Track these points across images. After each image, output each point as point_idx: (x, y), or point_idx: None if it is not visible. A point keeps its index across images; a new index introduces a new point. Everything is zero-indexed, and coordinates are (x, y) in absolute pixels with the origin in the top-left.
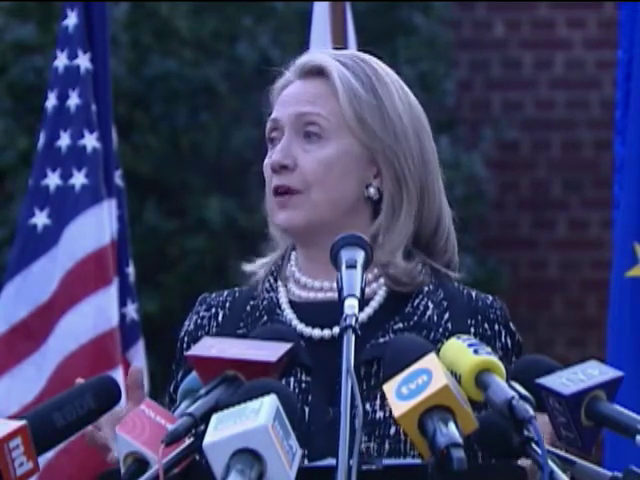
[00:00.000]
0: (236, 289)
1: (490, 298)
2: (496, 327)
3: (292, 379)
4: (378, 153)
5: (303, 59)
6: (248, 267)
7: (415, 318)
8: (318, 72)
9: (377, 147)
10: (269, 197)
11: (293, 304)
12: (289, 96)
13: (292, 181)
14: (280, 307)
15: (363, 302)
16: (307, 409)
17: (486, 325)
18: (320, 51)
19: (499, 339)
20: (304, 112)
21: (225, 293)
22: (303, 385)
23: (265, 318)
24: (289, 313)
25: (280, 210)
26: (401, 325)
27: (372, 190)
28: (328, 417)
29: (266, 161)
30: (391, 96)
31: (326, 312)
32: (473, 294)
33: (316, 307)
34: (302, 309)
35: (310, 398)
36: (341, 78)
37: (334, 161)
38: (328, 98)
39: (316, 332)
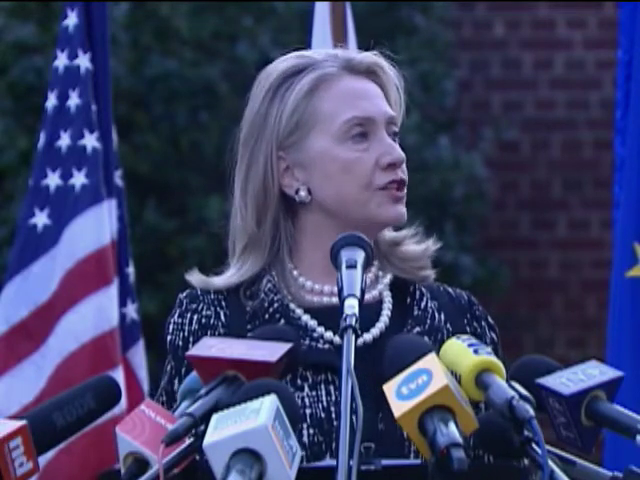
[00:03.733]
0: (220, 289)
1: (465, 294)
2: (483, 323)
3: (332, 387)
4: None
5: (358, 56)
6: (194, 277)
7: (428, 321)
8: (373, 72)
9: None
10: (363, 191)
11: (306, 309)
12: (366, 92)
13: (402, 175)
14: (293, 311)
15: (376, 306)
16: (354, 418)
17: (475, 323)
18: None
19: (487, 335)
20: (392, 115)
21: (212, 291)
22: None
23: (283, 321)
24: (307, 318)
25: (395, 204)
26: (418, 329)
27: None
28: (378, 425)
29: (354, 155)
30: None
31: None
32: (450, 291)
33: (334, 313)
34: (319, 315)
35: (354, 406)
36: (397, 80)
37: None
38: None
39: None
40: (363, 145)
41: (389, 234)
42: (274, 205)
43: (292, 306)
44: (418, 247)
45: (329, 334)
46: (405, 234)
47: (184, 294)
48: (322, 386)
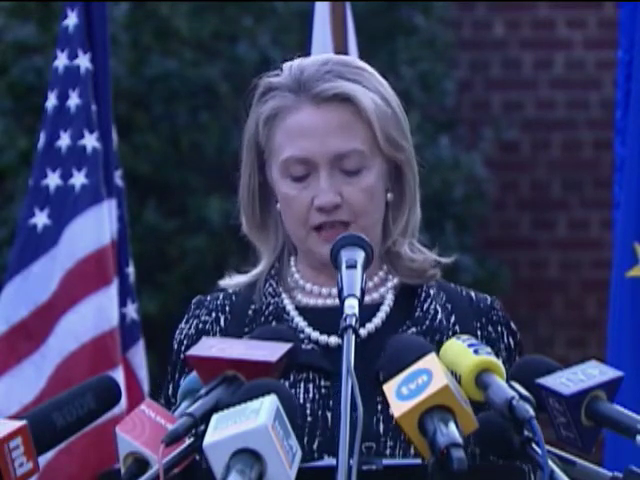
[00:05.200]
0: (229, 291)
1: (489, 299)
2: (499, 328)
3: (311, 385)
4: (402, 161)
5: (320, 86)
6: (223, 282)
7: (427, 322)
8: (339, 97)
9: (401, 156)
10: (301, 229)
11: (301, 310)
12: (314, 130)
13: (341, 216)
14: (288, 313)
15: (375, 307)
16: (329, 415)
17: (490, 327)
18: (317, 66)
19: (502, 340)
20: (342, 152)
21: (221, 296)
22: (323, 391)
23: (274, 323)
24: (299, 320)
25: (327, 243)
26: (414, 329)
27: (389, 194)
28: (352, 422)
29: (291, 192)
30: (395, 100)
31: (338, 319)
32: (473, 295)
33: (327, 314)
34: (312, 316)
35: (332, 404)
36: (369, 103)
37: (374, 187)
38: (358, 125)
39: (332, 340)
40: (302, 183)
41: (388, 248)
42: (272, 207)
43: (288, 308)
44: (418, 256)
45: (315, 334)
46: (404, 249)
47: (194, 300)
48: (301, 384)
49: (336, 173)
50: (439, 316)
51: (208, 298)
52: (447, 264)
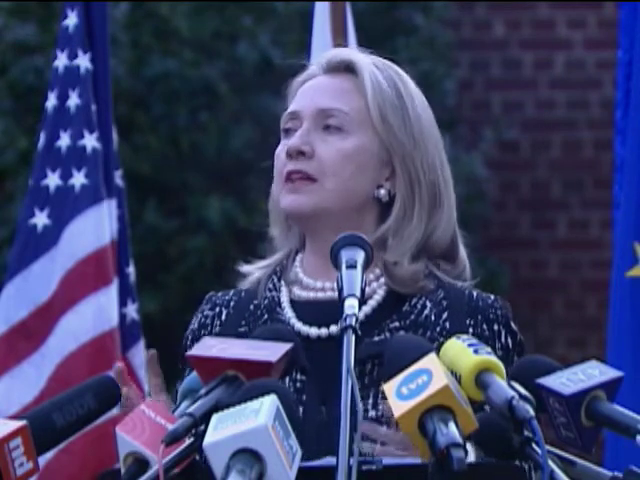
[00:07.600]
0: (243, 289)
1: (491, 298)
2: (495, 327)
3: (287, 378)
4: (396, 155)
5: (332, 53)
6: (244, 268)
7: (412, 317)
8: (346, 68)
9: (396, 148)
10: (279, 184)
11: (293, 303)
12: (311, 89)
13: (309, 168)
14: (280, 306)
15: (362, 301)
16: (301, 409)
17: (485, 325)
18: (348, 49)
19: (499, 339)
20: (326, 108)
21: (231, 292)
22: (298, 384)
23: (266, 317)
24: (289, 312)
25: (289, 194)
26: (397, 324)
27: (383, 192)
28: (320, 417)
29: (279, 148)
30: (413, 101)
31: (325, 311)
32: (474, 294)
33: (315, 306)
34: (301, 308)
35: (304, 397)
36: (370, 75)
37: (352, 154)
38: (353, 94)
39: (313, 330)
40: (288, 139)
41: (386, 260)
42: None
43: (282, 300)
44: (410, 267)
45: (299, 325)
46: (397, 258)
47: (206, 296)
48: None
49: (318, 130)
50: (426, 311)
51: (219, 294)
52: None
